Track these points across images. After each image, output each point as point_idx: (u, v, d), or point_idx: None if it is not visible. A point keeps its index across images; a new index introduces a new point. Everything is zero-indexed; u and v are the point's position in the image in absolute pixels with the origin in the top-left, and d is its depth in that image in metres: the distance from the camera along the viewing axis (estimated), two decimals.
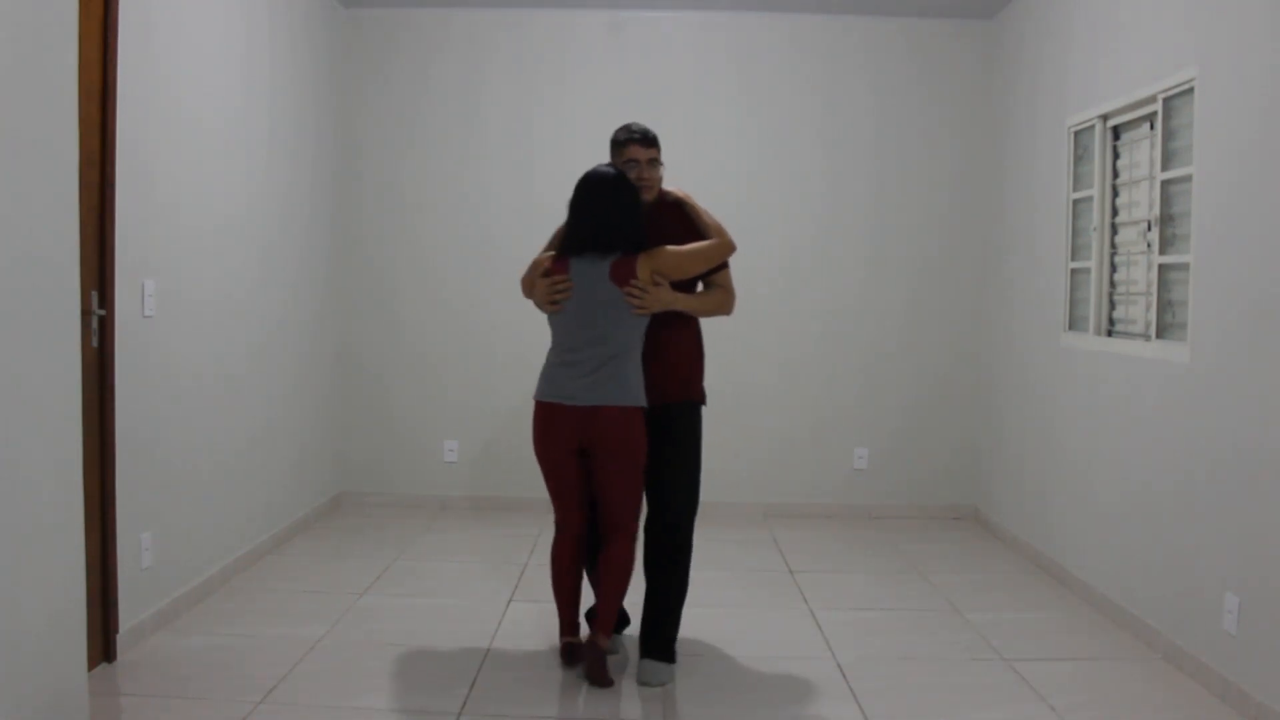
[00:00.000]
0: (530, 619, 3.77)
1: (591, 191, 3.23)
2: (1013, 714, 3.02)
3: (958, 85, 5.48)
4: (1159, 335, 3.66)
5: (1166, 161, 3.67)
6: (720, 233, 3.30)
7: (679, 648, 3.35)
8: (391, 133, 5.51)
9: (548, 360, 3.27)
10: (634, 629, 3.45)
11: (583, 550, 3.35)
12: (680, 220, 3.35)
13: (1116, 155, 4.12)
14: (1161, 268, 3.67)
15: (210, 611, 3.73)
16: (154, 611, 3.48)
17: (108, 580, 3.21)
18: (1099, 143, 4.16)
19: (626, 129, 3.36)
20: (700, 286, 3.38)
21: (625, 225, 3.18)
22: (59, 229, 2.35)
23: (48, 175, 2.30)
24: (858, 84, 5.48)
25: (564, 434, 3.19)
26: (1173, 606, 3.44)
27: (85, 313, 3.00)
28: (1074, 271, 4.41)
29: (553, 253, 3.29)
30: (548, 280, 3.22)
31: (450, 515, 5.42)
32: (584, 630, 3.41)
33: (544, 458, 3.26)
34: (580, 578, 3.35)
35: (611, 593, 3.21)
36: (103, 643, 3.19)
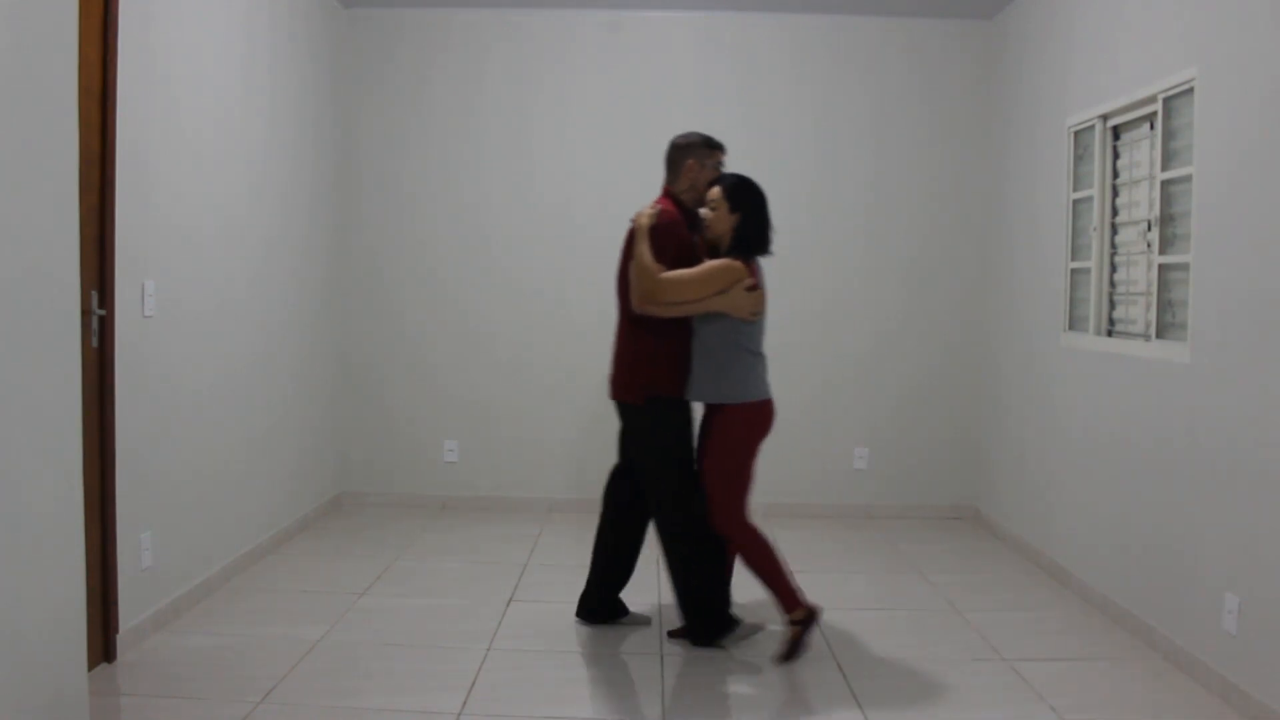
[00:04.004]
0: (530, 619, 3.76)
1: (762, 196, 3.40)
2: (1013, 714, 3.02)
3: (957, 85, 5.47)
4: (1159, 335, 3.66)
5: (1166, 161, 3.67)
6: None
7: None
8: (391, 132, 5.51)
9: (740, 361, 3.34)
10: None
11: None
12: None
13: (1116, 155, 4.12)
14: (1161, 268, 3.67)
15: (210, 611, 3.73)
16: (154, 611, 3.48)
17: (108, 580, 3.21)
18: (1099, 143, 4.16)
19: (710, 137, 3.61)
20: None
21: None
22: (59, 229, 2.34)
23: (48, 175, 2.30)
24: (857, 84, 5.48)
25: (770, 424, 3.41)
26: (1173, 606, 3.44)
27: (85, 313, 3.00)
28: (1074, 271, 4.41)
29: (738, 262, 3.32)
30: (758, 293, 3.32)
31: (450, 515, 5.42)
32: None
33: (754, 451, 3.40)
34: None
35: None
36: (103, 643, 3.19)
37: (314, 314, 5.13)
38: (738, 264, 3.29)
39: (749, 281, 3.29)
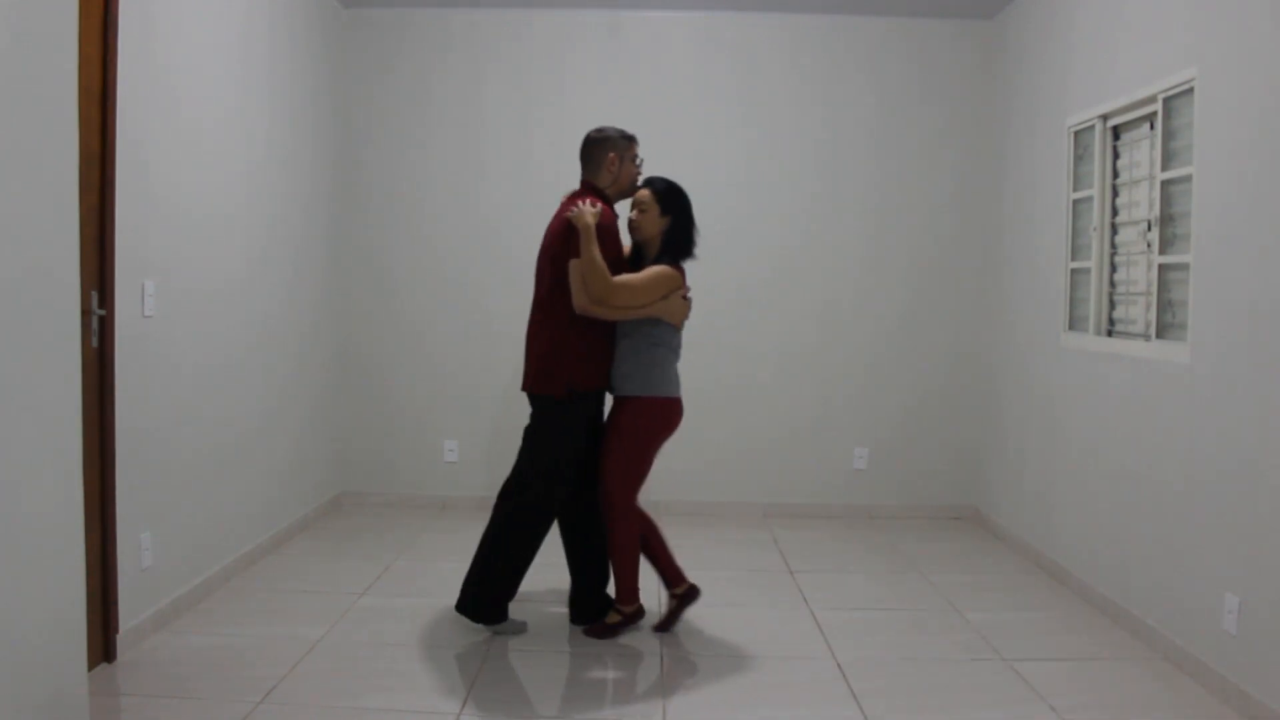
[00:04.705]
0: (530, 619, 3.76)
1: (689, 201, 3.52)
2: (1013, 714, 3.02)
3: (958, 85, 5.47)
4: (1159, 335, 3.66)
5: (1166, 161, 3.67)
6: None
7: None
8: (391, 132, 5.51)
9: (661, 359, 3.49)
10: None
11: None
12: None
13: (1116, 155, 4.12)
14: (1161, 268, 3.67)
15: (210, 611, 3.73)
16: (154, 611, 3.48)
17: (108, 580, 3.21)
18: (1099, 143, 4.16)
19: (624, 130, 3.61)
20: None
21: None
22: (59, 229, 2.34)
23: (48, 176, 2.30)
24: (857, 84, 5.48)
25: (678, 422, 3.57)
26: (1173, 606, 3.44)
27: (85, 313, 3.00)
28: (1074, 271, 4.41)
29: (673, 269, 3.47)
30: (689, 301, 3.52)
31: (450, 515, 5.42)
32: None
33: (657, 445, 3.55)
34: None
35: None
36: (103, 643, 3.19)
37: (314, 314, 5.13)
38: (676, 272, 3.45)
39: (684, 289, 3.48)
